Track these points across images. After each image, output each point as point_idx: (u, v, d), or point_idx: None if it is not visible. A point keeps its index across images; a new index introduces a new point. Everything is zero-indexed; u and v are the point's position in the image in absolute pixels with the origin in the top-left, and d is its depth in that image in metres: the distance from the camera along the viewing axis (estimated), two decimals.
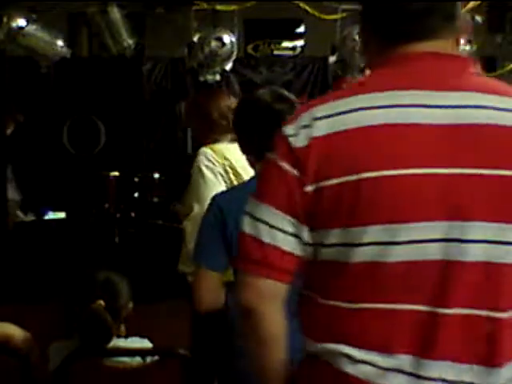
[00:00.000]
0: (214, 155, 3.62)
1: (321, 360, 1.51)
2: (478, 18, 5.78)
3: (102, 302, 2.75)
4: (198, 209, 3.41)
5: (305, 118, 1.48)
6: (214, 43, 5.64)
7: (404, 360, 1.44)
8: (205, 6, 5.73)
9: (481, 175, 1.43)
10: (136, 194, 7.06)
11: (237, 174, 3.57)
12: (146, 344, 2.86)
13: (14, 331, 2.89)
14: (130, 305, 2.89)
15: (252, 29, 8.42)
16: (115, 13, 5.53)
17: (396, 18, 1.52)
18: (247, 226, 1.51)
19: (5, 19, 5.22)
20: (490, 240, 1.44)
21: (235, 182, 3.50)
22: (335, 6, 5.72)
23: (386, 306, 1.45)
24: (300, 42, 8.69)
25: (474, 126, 1.44)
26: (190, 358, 2.75)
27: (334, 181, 1.44)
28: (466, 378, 1.44)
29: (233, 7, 5.77)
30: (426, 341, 1.44)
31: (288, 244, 1.48)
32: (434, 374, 1.44)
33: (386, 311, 1.45)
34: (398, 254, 1.43)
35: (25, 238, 5.60)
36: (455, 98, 1.46)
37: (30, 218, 5.79)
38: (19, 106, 7.94)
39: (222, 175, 3.57)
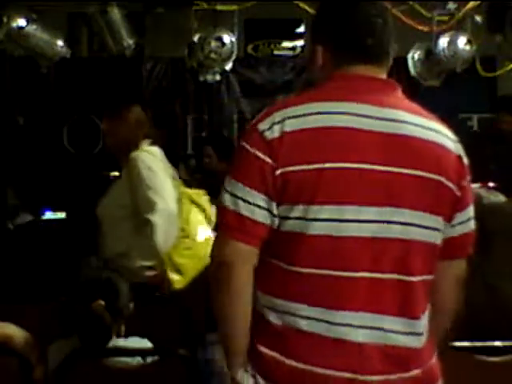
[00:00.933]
0: (151, 156, 3.88)
1: (271, 312, 1.87)
2: (478, 18, 5.78)
3: (102, 302, 2.75)
4: (163, 203, 3.66)
5: (278, 116, 1.84)
6: (213, 43, 5.64)
7: (353, 315, 1.84)
8: (205, 5, 5.72)
9: (406, 174, 1.85)
10: None
11: (168, 168, 3.94)
12: (146, 344, 2.86)
13: (14, 331, 2.89)
14: (131, 305, 2.89)
15: (252, 29, 8.42)
16: (115, 13, 5.53)
17: (353, 49, 1.93)
18: (228, 201, 1.86)
19: (5, 19, 5.21)
20: (408, 223, 1.86)
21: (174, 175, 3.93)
22: None
23: (336, 273, 1.83)
24: (300, 42, 8.67)
25: (402, 136, 1.87)
26: (190, 357, 2.75)
27: (300, 167, 1.81)
28: (399, 328, 1.87)
29: (233, 7, 5.76)
30: (372, 299, 1.85)
31: (261, 216, 1.84)
32: (376, 324, 1.85)
33: (337, 277, 1.83)
34: (346, 230, 1.82)
35: (24, 238, 5.60)
36: (388, 113, 1.88)
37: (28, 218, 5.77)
38: (19, 107, 7.95)
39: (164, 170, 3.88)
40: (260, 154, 1.83)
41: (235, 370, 1.91)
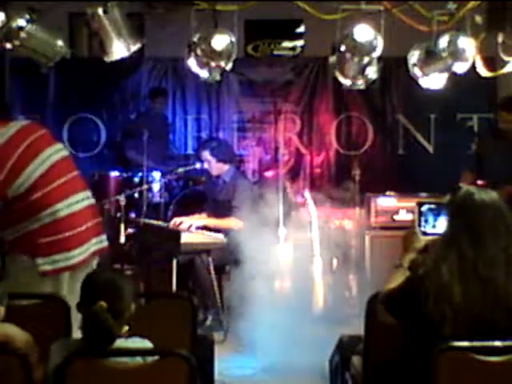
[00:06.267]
0: None
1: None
2: (478, 18, 5.77)
3: (103, 303, 2.74)
4: None
5: None
6: (214, 43, 5.63)
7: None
8: (205, 6, 5.71)
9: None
10: (136, 194, 7.06)
11: None
12: (146, 344, 2.86)
13: (15, 331, 2.89)
14: (133, 306, 2.88)
15: (252, 29, 8.43)
16: (115, 13, 5.52)
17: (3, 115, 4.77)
18: None
19: (5, 19, 5.21)
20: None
21: None
22: (335, 6, 5.71)
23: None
24: (300, 42, 8.69)
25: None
26: (190, 358, 2.75)
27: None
28: None
29: (233, 7, 5.75)
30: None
31: None
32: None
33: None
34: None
35: None
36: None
37: None
38: (19, 106, 7.95)
39: None
40: None
41: None
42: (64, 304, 3.38)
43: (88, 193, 4.08)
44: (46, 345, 2.84)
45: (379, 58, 5.85)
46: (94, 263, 4.10)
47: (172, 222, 5.93)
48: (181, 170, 6.99)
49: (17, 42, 5.30)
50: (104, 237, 4.15)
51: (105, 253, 4.15)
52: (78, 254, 3.91)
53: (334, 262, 6.43)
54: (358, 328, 3.60)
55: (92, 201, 4.08)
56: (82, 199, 4.00)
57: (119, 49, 5.52)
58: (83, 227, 3.95)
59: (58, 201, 3.87)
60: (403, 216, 6.72)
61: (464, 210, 2.97)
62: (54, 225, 3.85)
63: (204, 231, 5.86)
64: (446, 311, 2.83)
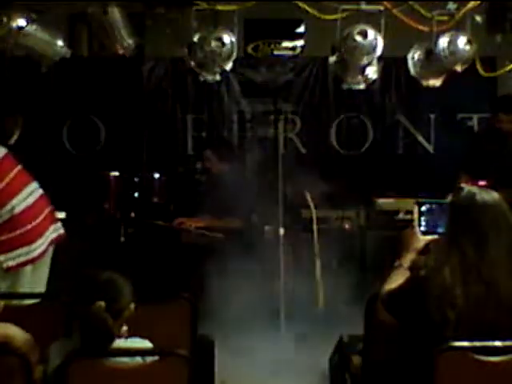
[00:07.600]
0: None
1: None
2: (478, 18, 5.77)
3: (102, 304, 2.74)
4: None
5: None
6: (214, 43, 5.63)
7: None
8: (205, 5, 5.71)
9: None
10: (136, 194, 7.05)
11: None
12: (146, 344, 2.86)
13: (15, 332, 2.89)
14: (132, 306, 2.88)
15: (252, 29, 8.41)
16: (115, 13, 5.52)
17: None
18: None
19: (5, 19, 5.21)
20: None
21: None
22: (335, 6, 5.71)
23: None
24: (300, 42, 8.67)
25: None
26: (190, 358, 2.75)
27: None
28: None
29: (233, 7, 5.75)
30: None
31: None
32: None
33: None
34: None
35: None
36: None
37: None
38: (19, 106, 7.94)
39: None
40: None
41: None
42: (64, 304, 3.38)
43: (36, 184, 4.16)
44: (46, 345, 2.84)
45: (379, 58, 5.85)
46: (51, 251, 4.21)
47: (175, 223, 5.95)
48: (181, 169, 7.00)
49: (17, 42, 5.31)
50: (59, 224, 4.28)
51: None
52: (41, 245, 4.04)
53: (334, 262, 6.42)
54: (358, 328, 3.60)
55: (41, 190, 4.16)
56: (32, 191, 4.09)
57: (119, 49, 5.52)
58: (41, 217, 4.07)
59: (13, 196, 3.96)
60: (403, 216, 6.71)
61: (466, 211, 2.96)
62: (12, 221, 3.96)
63: (204, 231, 5.86)
64: (448, 313, 2.82)
